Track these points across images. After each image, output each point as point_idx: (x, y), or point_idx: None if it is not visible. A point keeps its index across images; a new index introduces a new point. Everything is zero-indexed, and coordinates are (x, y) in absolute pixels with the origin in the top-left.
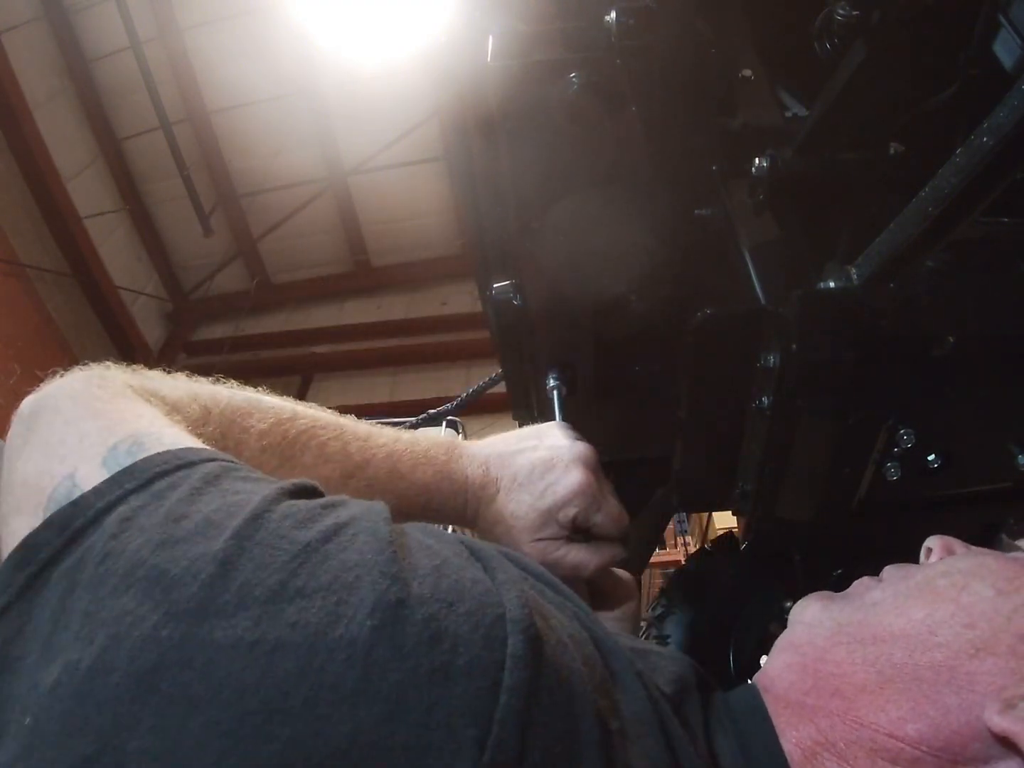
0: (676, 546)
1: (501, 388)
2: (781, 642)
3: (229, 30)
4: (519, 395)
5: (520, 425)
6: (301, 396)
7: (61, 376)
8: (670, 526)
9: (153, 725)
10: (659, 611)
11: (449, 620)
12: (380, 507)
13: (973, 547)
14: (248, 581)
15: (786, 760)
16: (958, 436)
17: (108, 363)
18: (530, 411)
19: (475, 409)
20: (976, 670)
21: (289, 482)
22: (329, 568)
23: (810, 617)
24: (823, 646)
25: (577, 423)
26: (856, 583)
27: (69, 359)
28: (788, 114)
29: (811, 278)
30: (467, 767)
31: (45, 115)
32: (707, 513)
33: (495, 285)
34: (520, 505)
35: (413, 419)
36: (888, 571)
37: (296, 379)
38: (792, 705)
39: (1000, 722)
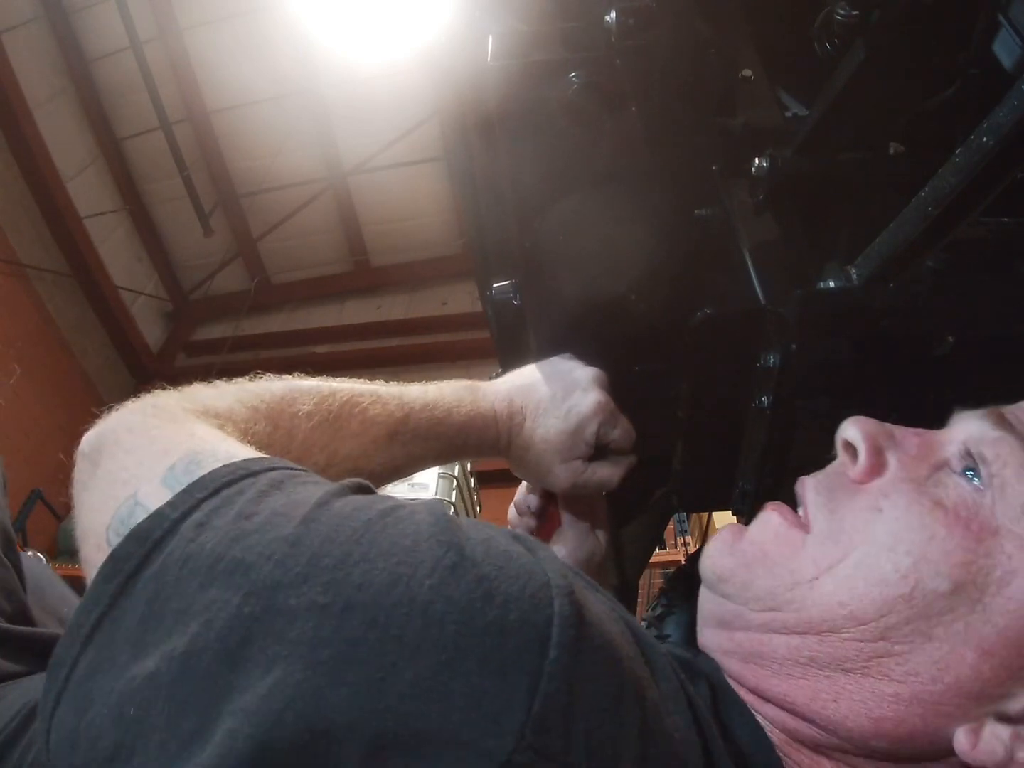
0: (676, 546)
1: None
2: (708, 610)
3: (229, 30)
4: None
5: None
6: None
7: (116, 411)
8: (670, 526)
9: (243, 687)
10: (659, 611)
11: (499, 582)
12: (439, 501)
13: (899, 441)
14: (315, 554)
15: (775, 750)
16: None
17: (158, 390)
18: None
19: None
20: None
21: (349, 480)
22: (389, 537)
23: (726, 573)
24: (755, 629)
25: None
26: (775, 528)
27: (69, 359)
28: (788, 114)
29: (811, 278)
30: (520, 714)
31: (45, 115)
32: (707, 513)
33: (495, 285)
34: (548, 429)
35: None
36: (812, 513)
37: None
38: (752, 694)
39: (969, 751)
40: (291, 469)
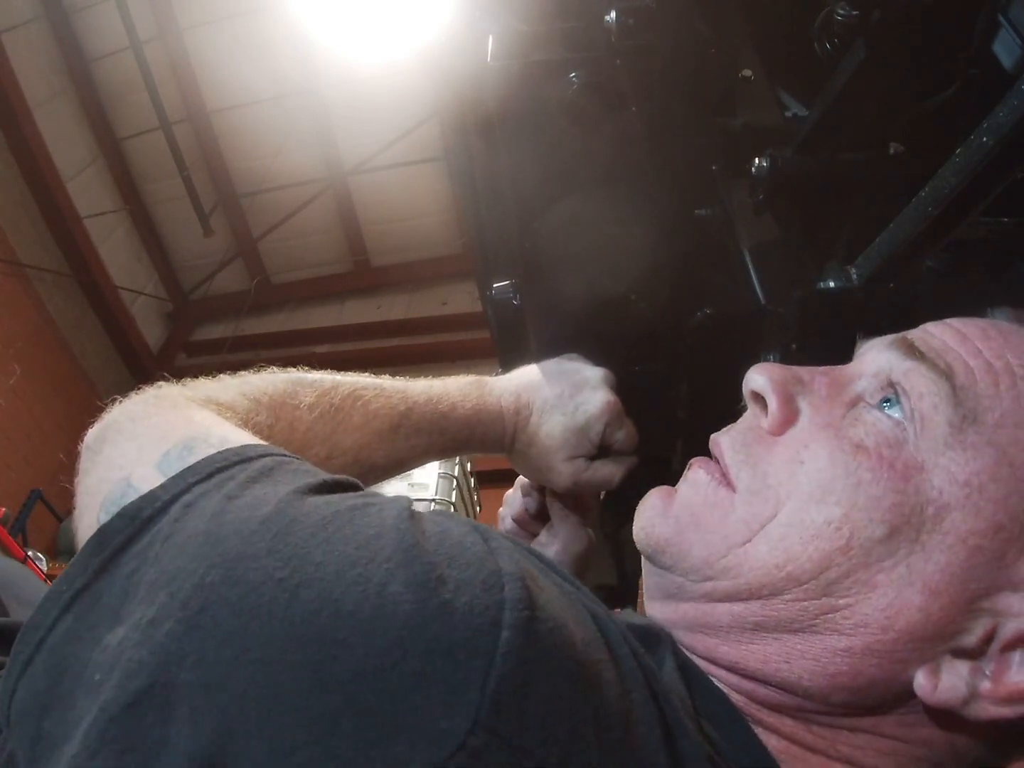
0: None
1: None
2: (651, 583)
3: (229, 30)
4: None
5: None
6: None
7: (120, 402)
8: None
9: (196, 659)
10: None
11: (452, 568)
12: (405, 498)
13: (808, 384)
14: (281, 532)
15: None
16: None
17: (161, 382)
18: None
19: None
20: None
21: (333, 476)
22: (354, 526)
23: (663, 540)
24: (693, 598)
25: None
26: (704, 488)
27: (69, 359)
28: (788, 114)
29: (811, 278)
30: (474, 695)
31: (45, 115)
32: None
33: (495, 285)
34: (554, 426)
35: None
36: (734, 471)
37: None
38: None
39: (932, 694)
40: (284, 456)
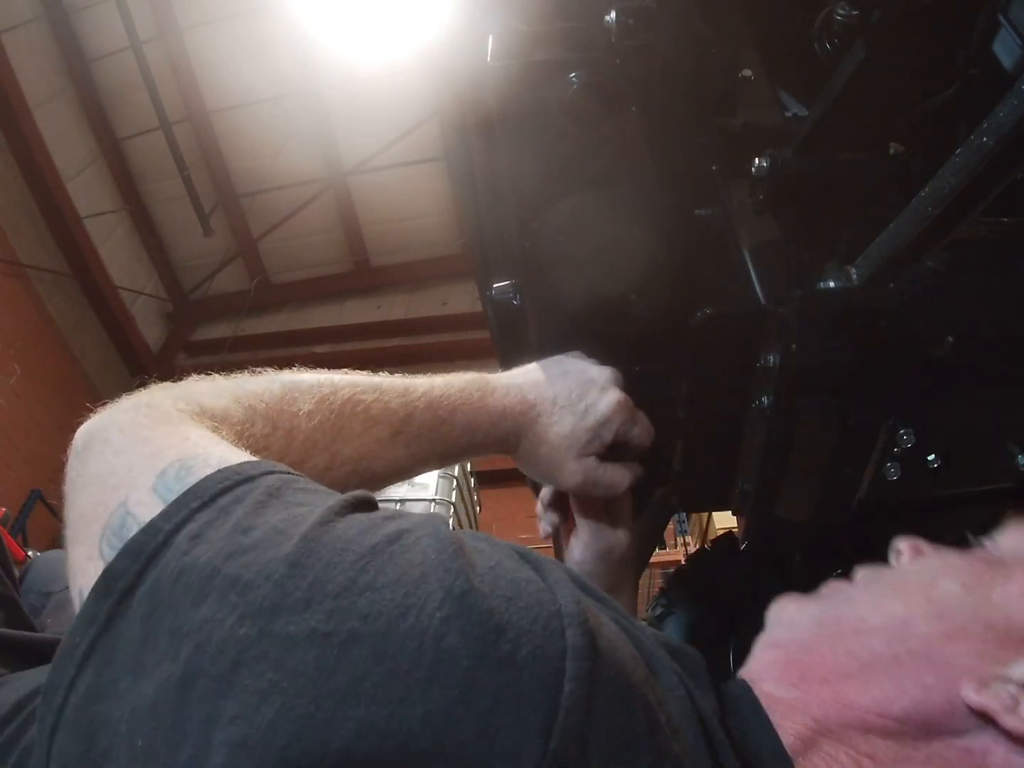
0: (676, 546)
1: None
2: (762, 642)
3: (229, 30)
4: None
5: None
6: None
7: (109, 407)
8: (670, 526)
9: (234, 715)
10: (659, 611)
11: (510, 613)
12: (439, 516)
13: (940, 547)
14: (318, 579)
15: (788, 755)
16: (958, 436)
17: (152, 384)
18: None
19: None
20: (950, 654)
21: (350, 495)
22: (396, 565)
23: (787, 618)
24: (804, 641)
25: None
26: (827, 585)
27: (69, 359)
28: (788, 114)
29: (811, 278)
30: (537, 749)
31: (45, 115)
32: (707, 513)
33: (495, 285)
34: (564, 425)
35: None
36: (860, 573)
37: None
38: (783, 699)
39: (975, 698)
40: (288, 474)
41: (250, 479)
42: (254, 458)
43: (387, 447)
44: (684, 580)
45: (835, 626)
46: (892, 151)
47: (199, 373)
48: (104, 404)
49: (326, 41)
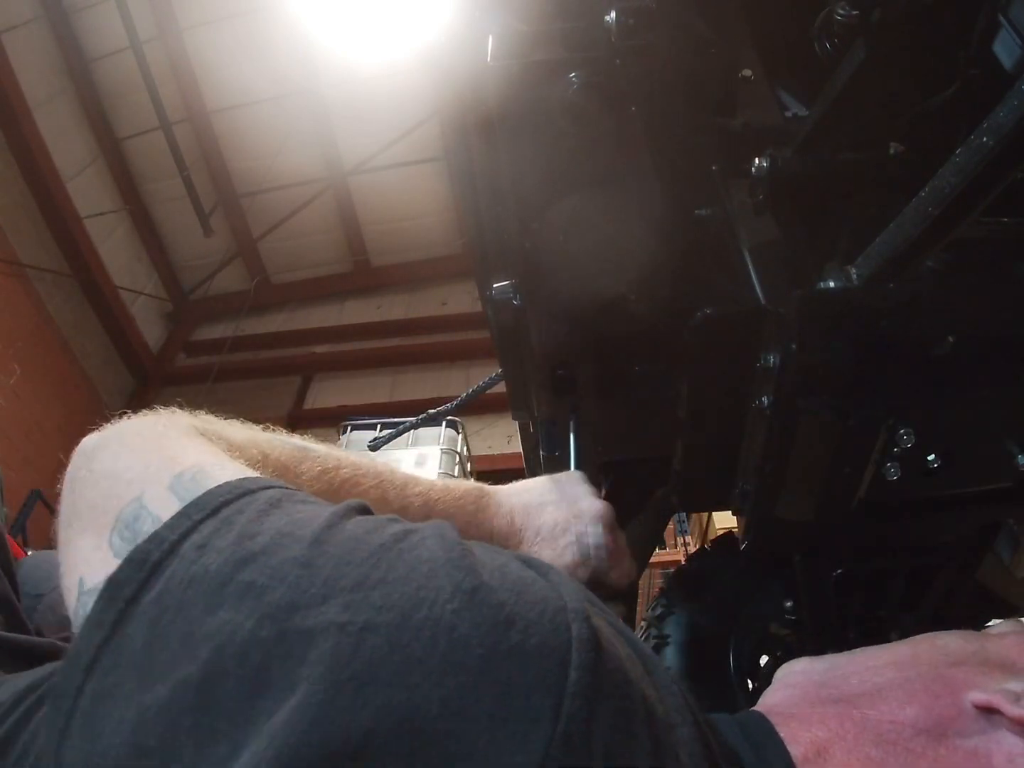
0: (676, 546)
1: (501, 388)
2: (773, 686)
3: (229, 30)
4: (519, 395)
5: (519, 425)
6: (301, 396)
7: (127, 417)
8: (670, 526)
9: (269, 710)
10: (659, 611)
11: (519, 607)
12: (445, 523)
13: None
14: (332, 576)
15: (792, 761)
16: (958, 436)
17: (175, 408)
18: (529, 411)
19: (475, 409)
20: (956, 673)
21: (354, 500)
22: (405, 562)
23: (800, 667)
24: (818, 679)
25: (577, 423)
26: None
27: (69, 359)
28: (788, 114)
29: (811, 278)
30: (545, 733)
31: (45, 115)
32: (707, 513)
33: (495, 285)
34: (542, 558)
35: (413, 419)
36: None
37: (296, 379)
38: (797, 716)
39: (982, 696)
40: (288, 488)
41: (250, 492)
42: (257, 474)
43: None
44: (684, 580)
45: (847, 666)
46: (892, 151)
47: (199, 373)
48: (121, 414)
49: (326, 41)
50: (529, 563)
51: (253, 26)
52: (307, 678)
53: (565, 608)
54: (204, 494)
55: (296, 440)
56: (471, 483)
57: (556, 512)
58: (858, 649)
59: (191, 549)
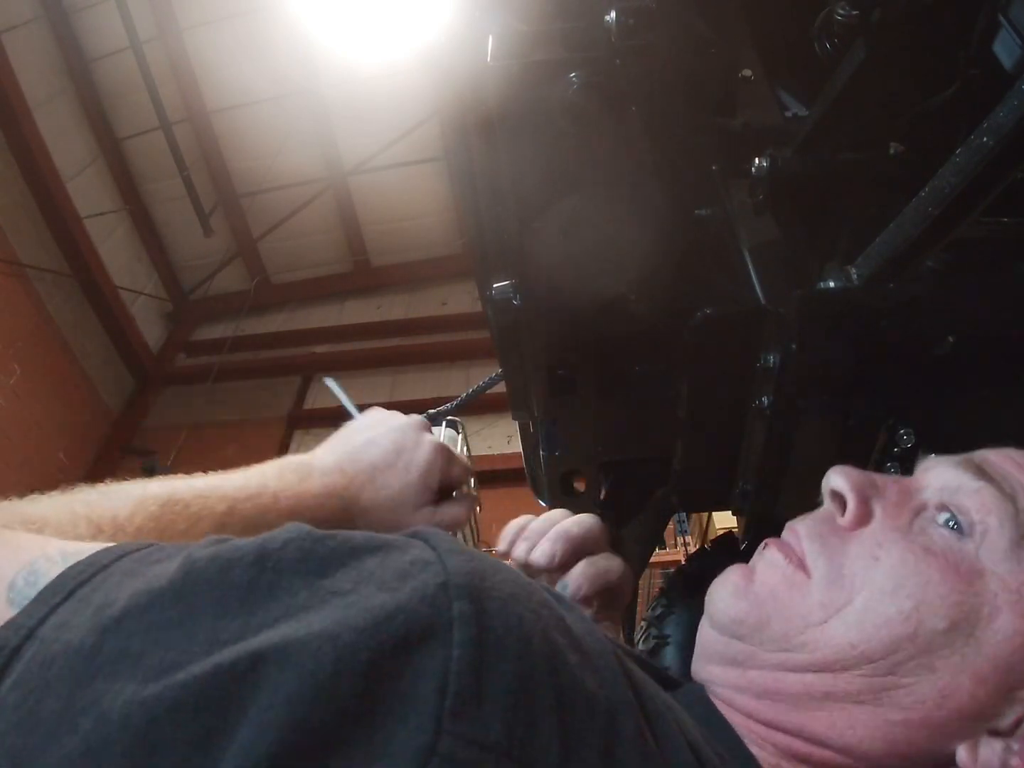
0: (676, 546)
1: (501, 388)
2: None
3: (229, 30)
4: (518, 395)
5: (519, 425)
6: (301, 396)
7: None
8: (670, 526)
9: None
10: (659, 611)
11: (398, 597)
12: (299, 528)
13: (881, 489)
14: (198, 621)
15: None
16: (958, 436)
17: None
18: (529, 411)
19: (475, 409)
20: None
21: (206, 539)
22: (274, 596)
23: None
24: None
25: (577, 423)
26: (782, 570)
27: (69, 359)
28: (788, 114)
29: (811, 278)
30: (433, 711)
31: (45, 115)
32: (707, 513)
33: (495, 285)
34: (391, 488)
35: None
36: (811, 559)
37: (296, 379)
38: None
39: (967, 758)
40: (141, 550)
41: (104, 567)
42: (99, 544)
43: None
44: (684, 580)
45: (800, 647)
46: (892, 151)
47: (199, 373)
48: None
49: (326, 41)
50: (416, 532)
51: (253, 26)
52: (176, 742)
53: (446, 585)
54: (59, 576)
55: (99, 486)
56: (288, 458)
57: (381, 442)
58: (807, 602)
59: (50, 630)
